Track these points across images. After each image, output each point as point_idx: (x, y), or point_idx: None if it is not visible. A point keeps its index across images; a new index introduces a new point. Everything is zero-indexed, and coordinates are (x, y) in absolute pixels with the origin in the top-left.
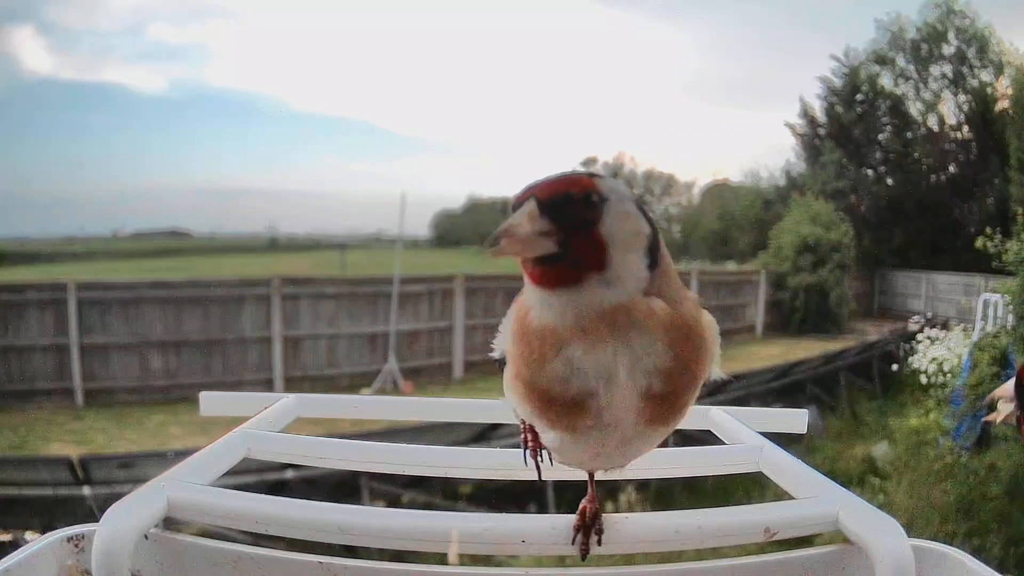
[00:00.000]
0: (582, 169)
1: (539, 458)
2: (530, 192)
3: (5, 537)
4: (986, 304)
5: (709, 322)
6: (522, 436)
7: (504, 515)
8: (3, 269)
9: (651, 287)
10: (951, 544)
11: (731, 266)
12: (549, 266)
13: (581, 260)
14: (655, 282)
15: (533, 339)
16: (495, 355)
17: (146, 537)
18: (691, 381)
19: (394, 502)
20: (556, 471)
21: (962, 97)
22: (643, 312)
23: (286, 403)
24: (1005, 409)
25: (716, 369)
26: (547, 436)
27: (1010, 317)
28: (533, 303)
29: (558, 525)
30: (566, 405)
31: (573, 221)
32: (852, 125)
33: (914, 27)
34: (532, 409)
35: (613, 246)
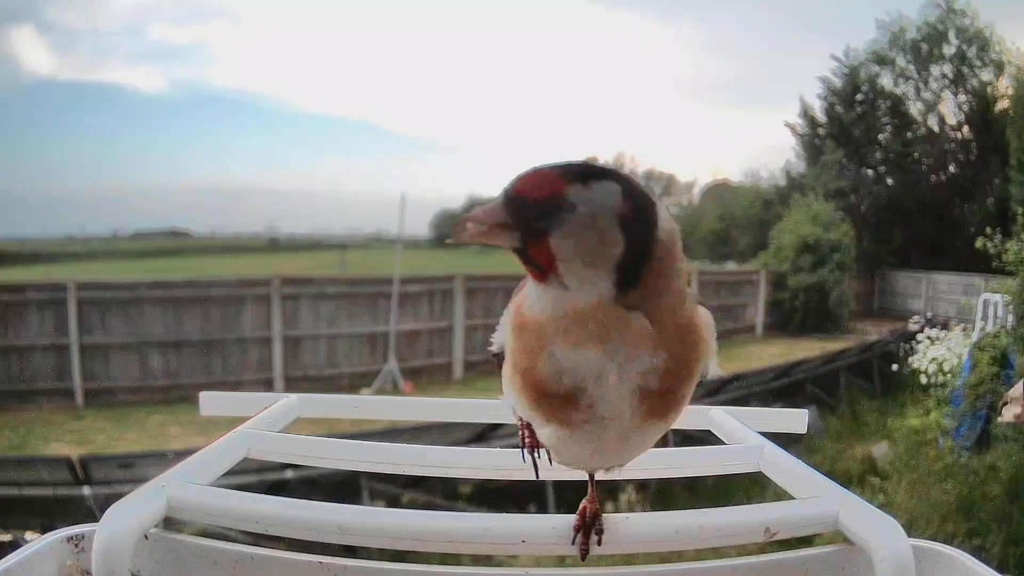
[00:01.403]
0: (574, 161)
1: (536, 455)
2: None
3: (5, 537)
4: (986, 304)
5: (705, 317)
6: (520, 433)
7: (504, 515)
8: (3, 269)
9: (628, 301)
10: (951, 544)
11: (731, 266)
12: (522, 260)
13: (536, 261)
14: (636, 297)
15: (528, 331)
16: (493, 349)
17: (146, 537)
18: (687, 377)
19: (394, 502)
20: (555, 471)
21: (962, 97)
22: (618, 321)
23: (286, 403)
24: (1012, 410)
25: (713, 365)
26: (544, 432)
27: (1010, 317)
28: (528, 295)
29: (558, 525)
30: (560, 398)
31: (525, 224)
32: (852, 125)
33: (914, 27)
34: (528, 402)
35: (563, 258)
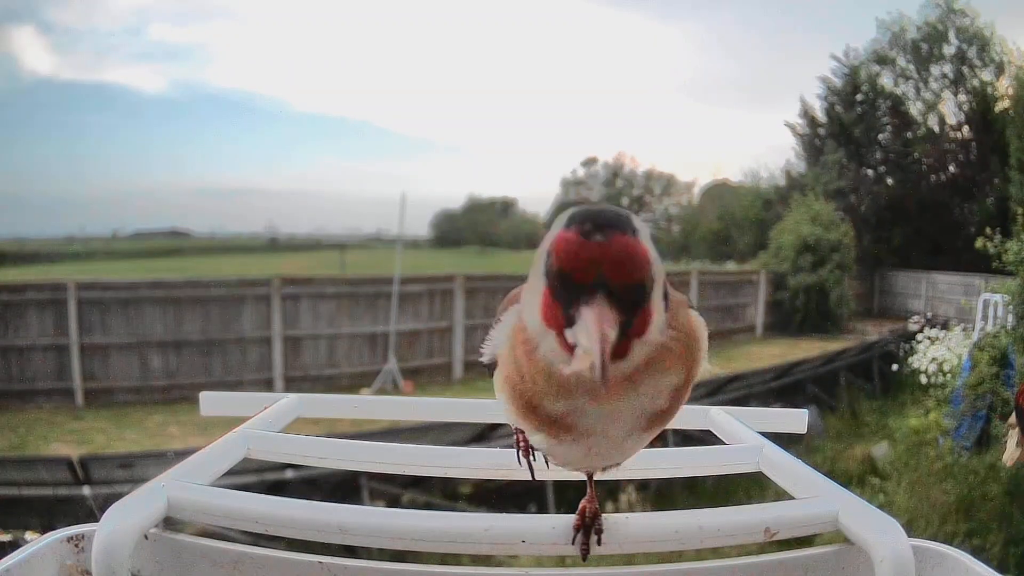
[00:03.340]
0: (600, 209)
1: (532, 458)
2: (594, 264)
3: (5, 537)
4: (986, 304)
5: (699, 322)
6: (515, 436)
7: (504, 515)
8: (3, 269)
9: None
10: (951, 544)
11: (731, 266)
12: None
13: (634, 335)
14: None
15: (538, 375)
16: (484, 360)
17: (146, 537)
18: (689, 387)
19: (394, 502)
20: (554, 471)
21: (962, 97)
22: (661, 355)
23: (286, 403)
24: (1012, 443)
25: (704, 362)
26: (534, 438)
27: (1010, 317)
28: (545, 345)
29: (558, 525)
30: (549, 418)
31: (639, 306)
32: (852, 125)
33: (914, 27)
34: (516, 413)
35: (658, 311)
